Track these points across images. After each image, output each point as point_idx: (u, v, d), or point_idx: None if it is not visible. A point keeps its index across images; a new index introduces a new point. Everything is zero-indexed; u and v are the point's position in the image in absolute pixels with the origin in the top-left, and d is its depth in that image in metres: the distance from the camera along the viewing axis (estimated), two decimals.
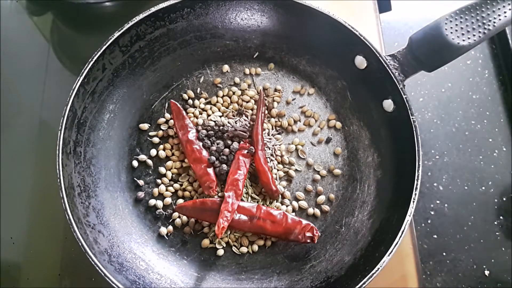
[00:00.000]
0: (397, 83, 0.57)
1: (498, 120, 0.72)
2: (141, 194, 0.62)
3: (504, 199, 0.67)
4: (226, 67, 0.69)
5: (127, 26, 0.60)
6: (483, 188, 0.68)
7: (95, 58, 0.58)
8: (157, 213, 0.61)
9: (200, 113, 0.66)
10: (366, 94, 0.63)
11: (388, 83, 0.58)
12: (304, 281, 0.57)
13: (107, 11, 0.76)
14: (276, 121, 0.66)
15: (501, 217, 0.66)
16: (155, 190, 0.62)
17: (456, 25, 0.53)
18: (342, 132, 0.66)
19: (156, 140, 0.64)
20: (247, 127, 0.64)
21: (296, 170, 0.64)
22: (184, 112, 0.64)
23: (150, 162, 0.63)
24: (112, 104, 0.63)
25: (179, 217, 0.61)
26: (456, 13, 0.54)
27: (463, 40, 0.53)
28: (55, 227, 0.62)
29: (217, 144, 0.62)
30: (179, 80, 0.68)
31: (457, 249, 0.65)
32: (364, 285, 0.50)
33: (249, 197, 0.61)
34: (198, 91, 0.67)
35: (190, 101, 0.67)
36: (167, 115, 0.65)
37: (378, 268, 0.50)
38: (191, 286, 0.57)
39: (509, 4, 0.53)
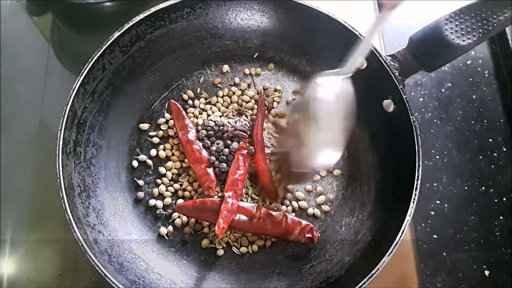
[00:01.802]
0: (397, 83, 0.57)
1: (498, 120, 0.72)
2: (141, 194, 0.62)
3: (504, 199, 0.67)
4: (226, 67, 0.69)
5: (127, 26, 0.60)
6: (483, 188, 0.68)
7: (95, 58, 0.58)
8: (157, 213, 0.61)
9: (200, 113, 0.66)
10: (366, 94, 0.63)
11: (388, 83, 0.58)
12: (304, 281, 0.57)
13: (107, 11, 0.76)
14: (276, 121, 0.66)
15: (501, 217, 0.66)
16: (155, 190, 0.62)
17: (456, 25, 0.53)
18: None
19: (156, 140, 0.64)
20: (247, 127, 0.64)
21: None
22: (184, 112, 0.64)
23: (150, 162, 0.63)
24: (112, 104, 0.63)
25: (179, 217, 0.61)
26: (456, 13, 0.54)
27: (463, 40, 0.53)
28: (55, 227, 0.62)
29: (217, 144, 0.62)
30: (179, 80, 0.68)
31: (457, 249, 0.65)
32: (364, 285, 0.50)
33: (249, 197, 0.61)
34: (198, 91, 0.67)
35: (190, 101, 0.67)
36: (167, 115, 0.65)
37: (378, 268, 0.50)
38: (191, 286, 0.57)
39: (509, 4, 0.53)
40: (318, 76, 0.54)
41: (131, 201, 0.61)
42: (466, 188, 0.68)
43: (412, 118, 0.56)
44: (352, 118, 0.53)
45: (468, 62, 0.76)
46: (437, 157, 0.69)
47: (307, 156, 0.55)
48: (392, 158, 0.60)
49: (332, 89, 0.53)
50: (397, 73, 0.58)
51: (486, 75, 0.75)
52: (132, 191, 0.62)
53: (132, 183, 0.62)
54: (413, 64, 0.57)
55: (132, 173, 0.63)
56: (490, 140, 0.71)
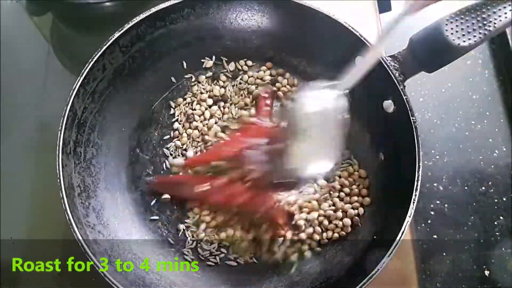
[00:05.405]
0: (397, 84, 0.57)
1: (498, 120, 0.72)
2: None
3: (504, 199, 0.67)
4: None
5: (127, 26, 0.59)
6: (483, 188, 0.68)
7: (95, 58, 0.58)
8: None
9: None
10: (366, 94, 0.63)
11: (388, 84, 0.58)
12: (304, 282, 0.57)
13: (107, 11, 0.76)
14: None
15: (501, 217, 0.66)
16: None
17: (457, 26, 0.53)
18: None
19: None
20: None
21: None
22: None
23: (149, 163, 0.64)
24: (112, 104, 0.63)
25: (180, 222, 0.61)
26: (457, 14, 0.54)
27: (464, 41, 0.53)
28: (55, 227, 0.62)
29: None
30: (179, 81, 0.68)
31: (457, 249, 0.65)
32: (364, 286, 0.50)
33: None
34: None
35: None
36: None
37: (378, 269, 0.50)
38: (190, 287, 0.57)
39: (509, 5, 0.53)
40: (310, 86, 0.52)
41: (131, 202, 0.61)
42: (466, 188, 0.68)
43: (413, 119, 0.56)
44: (343, 132, 0.51)
45: (468, 62, 0.76)
46: (437, 157, 0.69)
47: (293, 165, 0.52)
48: (392, 158, 0.60)
49: (324, 104, 0.51)
50: (397, 74, 0.57)
51: (486, 75, 0.75)
52: (132, 191, 0.62)
53: (132, 183, 0.62)
54: (413, 65, 0.57)
55: (132, 173, 0.63)
56: (490, 140, 0.71)
